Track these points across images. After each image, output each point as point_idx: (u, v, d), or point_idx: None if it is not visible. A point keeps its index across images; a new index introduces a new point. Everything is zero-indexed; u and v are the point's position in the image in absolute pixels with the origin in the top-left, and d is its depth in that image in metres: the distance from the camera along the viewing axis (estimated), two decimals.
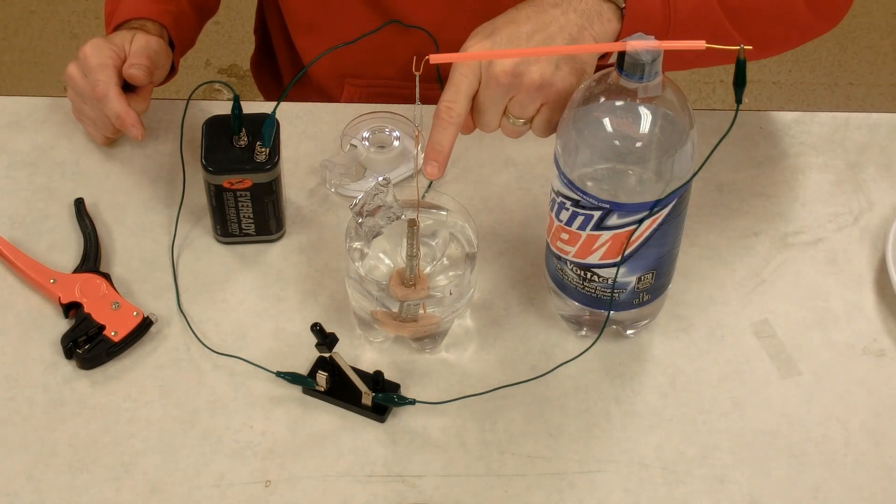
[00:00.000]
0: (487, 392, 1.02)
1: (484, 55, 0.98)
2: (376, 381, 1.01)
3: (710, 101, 2.51)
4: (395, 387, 1.02)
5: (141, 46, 1.17)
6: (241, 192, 1.08)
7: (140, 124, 1.14)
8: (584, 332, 1.07)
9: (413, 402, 1.01)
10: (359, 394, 1.00)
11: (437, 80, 1.06)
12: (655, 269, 1.00)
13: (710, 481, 0.98)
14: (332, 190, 1.18)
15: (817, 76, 2.58)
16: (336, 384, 1.01)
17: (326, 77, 1.37)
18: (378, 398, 1.00)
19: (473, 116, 0.99)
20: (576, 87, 0.97)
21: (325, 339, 0.97)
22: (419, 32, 1.19)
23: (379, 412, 1.01)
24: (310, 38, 1.35)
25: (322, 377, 1.01)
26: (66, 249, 1.13)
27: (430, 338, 1.05)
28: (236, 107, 1.07)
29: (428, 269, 1.04)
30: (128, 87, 1.16)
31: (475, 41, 0.98)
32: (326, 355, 0.99)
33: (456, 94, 0.97)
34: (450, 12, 1.25)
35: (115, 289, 1.08)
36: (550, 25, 0.97)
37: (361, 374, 1.01)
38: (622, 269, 0.98)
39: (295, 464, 0.99)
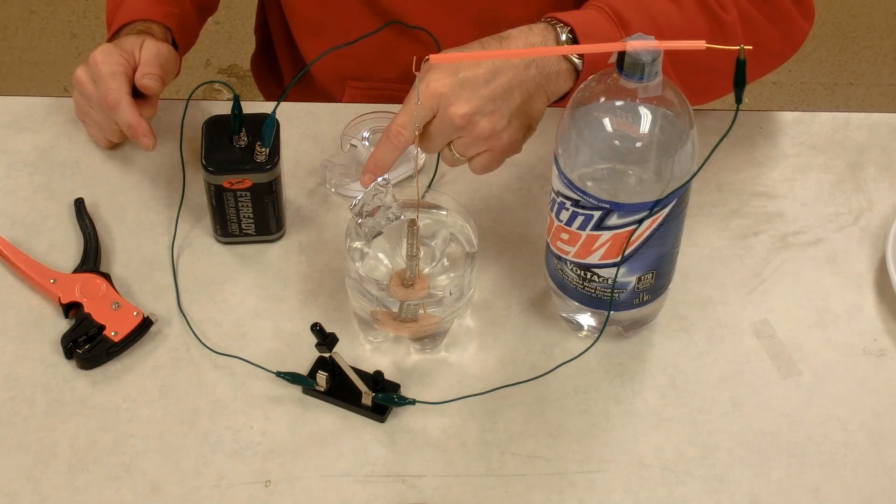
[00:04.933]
0: (487, 392, 1.02)
1: (480, 55, 0.98)
2: (376, 381, 1.01)
3: (711, 101, 2.51)
4: (395, 387, 1.02)
5: (152, 54, 1.16)
6: (241, 192, 1.08)
7: (151, 134, 1.14)
8: (584, 332, 1.07)
9: (413, 402, 1.01)
10: (359, 394, 1.01)
11: None
12: (655, 269, 1.00)
13: (710, 481, 0.98)
14: (332, 190, 1.18)
15: (817, 76, 2.58)
16: (336, 384, 1.01)
17: (328, 79, 1.37)
18: (378, 398, 1.00)
19: (419, 138, 1.02)
20: (522, 141, 1.03)
21: (325, 339, 0.97)
22: (420, 35, 1.19)
23: (379, 412, 1.01)
24: (312, 39, 1.35)
25: (322, 377, 1.01)
26: (66, 249, 1.13)
27: (430, 338, 1.05)
28: (236, 107, 1.07)
29: (428, 270, 1.04)
30: (136, 93, 1.15)
31: (440, 73, 1.00)
32: (326, 355, 0.99)
33: (409, 122, 1.00)
34: (450, 18, 1.25)
35: (115, 289, 1.08)
36: (511, 75, 1.00)
37: (361, 374, 1.01)
38: (622, 269, 0.98)
39: (295, 464, 0.99)
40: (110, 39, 1.21)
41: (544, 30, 1.03)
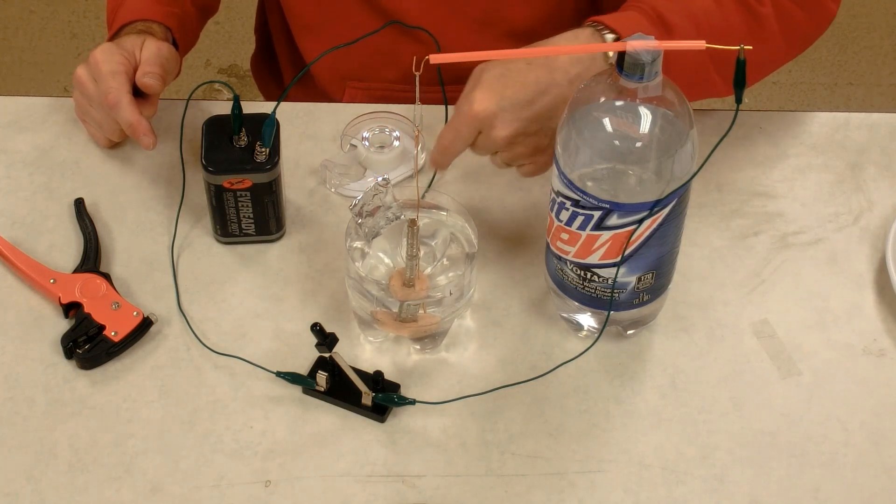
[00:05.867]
0: (487, 392, 1.02)
1: (484, 55, 0.98)
2: (376, 381, 1.01)
3: (710, 101, 2.51)
4: (395, 387, 1.02)
5: (153, 53, 1.16)
6: (241, 192, 1.08)
7: (152, 133, 1.13)
8: (584, 332, 1.07)
9: (413, 402, 1.01)
10: (359, 394, 1.01)
11: (439, 79, 1.06)
12: (655, 269, 1.00)
13: (710, 481, 0.98)
14: (332, 190, 1.18)
15: (817, 76, 2.58)
16: (336, 384, 1.01)
17: (328, 79, 1.37)
18: (378, 398, 1.00)
19: (471, 146, 1.05)
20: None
21: (326, 339, 0.97)
22: (420, 35, 1.19)
23: (379, 412, 1.01)
24: (312, 38, 1.35)
25: (322, 377, 1.01)
26: (66, 249, 1.13)
27: (430, 338, 1.05)
28: (236, 107, 1.07)
29: (428, 270, 1.04)
30: (137, 92, 1.15)
31: (484, 93, 1.02)
32: (326, 355, 0.99)
33: (456, 140, 1.03)
34: (451, 18, 1.25)
35: (115, 289, 1.08)
36: (555, 94, 1.02)
37: (361, 374, 1.01)
38: (622, 269, 0.98)
39: (295, 464, 0.99)
40: (111, 39, 1.21)
41: (591, 36, 1.04)
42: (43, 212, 1.16)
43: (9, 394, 1.03)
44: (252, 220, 1.11)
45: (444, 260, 1.04)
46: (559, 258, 1.01)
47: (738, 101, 0.89)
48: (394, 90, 1.32)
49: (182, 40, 1.24)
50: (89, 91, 1.16)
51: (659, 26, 1.05)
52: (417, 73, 0.94)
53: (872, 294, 1.11)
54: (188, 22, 1.27)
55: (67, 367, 1.04)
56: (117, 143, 1.20)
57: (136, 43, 1.17)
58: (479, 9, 1.26)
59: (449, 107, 1.16)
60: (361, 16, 1.28)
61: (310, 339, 0.98)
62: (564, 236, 0.98)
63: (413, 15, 1.24)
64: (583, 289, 1.01)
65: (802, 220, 1.16)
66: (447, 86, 1.13)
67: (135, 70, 1.15)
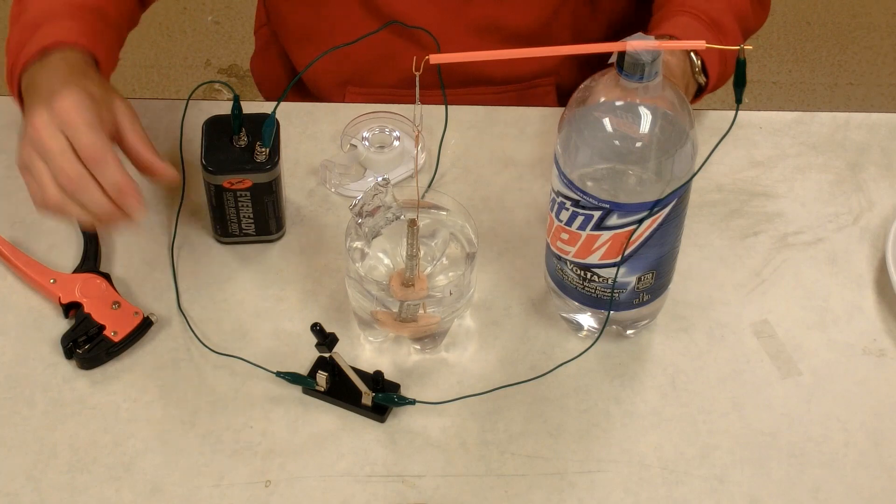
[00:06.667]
0: (487, 392, 1.02)
1: (484, 55, 0.98)
2: (376, 381, 1.01)
3: (711, 101, 2.49)
4: (395, 387, 1.02)
5: (138, 126, 1.00)
6: (241, 192, 1.08)
7: (141, 196, 0.95)
8: (584, 332, 1.07)
9: (413, 402, 1.01)
10: (359, 394, 1.01)
11: (439, 79, 1.06)
12: (655, 269, 1.00)
13: (710, 481, 0.98)
14: (332, 190, 1.18)
15: (817, 76, 2.58)
16: (336, 384, 1.01)
17: (327, 84, 1.36)
18: (378, 398, 1.00)
19: None
20: None
21: (326, 339, 0.97)
22: (421, 39, 1.19)
23: (379, 412, 1.01)
24: (311, 49, 1.34)
25: (322, 377, 1.01)
26: (66, 249, 1.13)
27: (430, 338, 1.05)
28: (236, 107, 1.07)
29: (428, 269, 1.04)
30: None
31: None
32: (327, 355, 0.99)
33: None
34: (451, 24, 1.25)
35: (115, 289, 1.08)
36: None
37: (361, 374, 1.01)
38: (622, 269, 0.98)
39: (295, 464, 0.99)
40: (28, 60, 1.03)
41: (680, 51, 1.10)
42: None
43: (9, 394, 1.03)
44: (252, 220, 1.11)
45: (444, 260, 1.04)
46: (559, 258, 1.01)
47: (738, 101, 0.89)
48: (394, 94, 1.32)
49: (106, 70, 1.08)
50: (50, 145, 0.95)
51: (713, 29, 1.13)
52: (417, 73, 0.93)
53: (872, 294, 1.11)
54: (112, 42, 1.10)
55: (67, 367, 1.04)
56: (57, 214, 0.98)
57: (106, 95, 1.00)
58: (479, 15, 1.26)
59: (449, 107, 1.16)
60: (361, 22, 1.27)
61: (310, 339, 0.98)
62: (564, 236, 0.98)
63: (414, 22, 1.24)
64: (583, 289, 1.01)
65: (802, 220, 1.16)
66: (448, 88, 1.13)
67: (114, 131, 0.99)
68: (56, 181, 0.95)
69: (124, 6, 1.14)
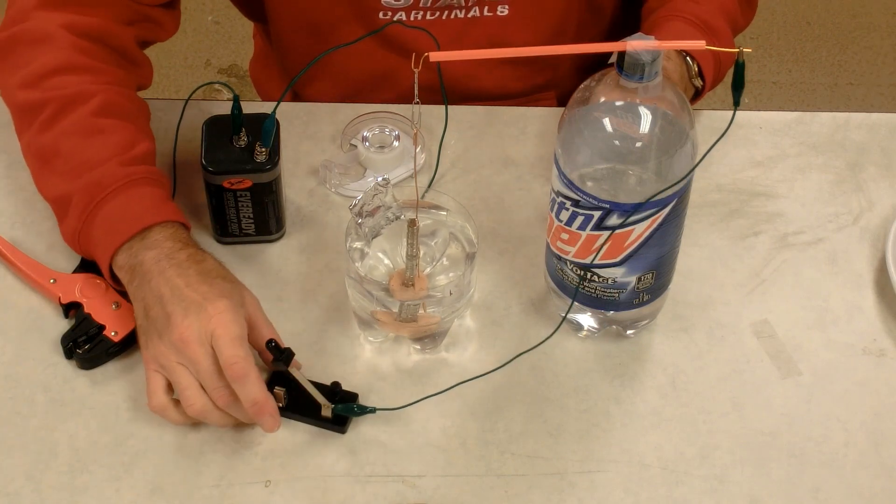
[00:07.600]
0: (446, 390, 1.00)
1: (484, 54, 0.98)
2: (334, 391, 1.00)
3: (710, 101, 2.49)
4: (354, 396, 1.01)
5: (266, 319, 1.02)
6: (241, 192, 1.08)
7: (278, 413, 0.96)
8: (584, 332, 1.07)
9: (374, 410, 1.00)
10: (318, 406, 1.00)
11: (439, 79, 1.06)
12: (655, 269, 1.00)
13: (710, 481, 0.98)
14: (332, 190, 1.18)
15: (817, 76, 2.58)
16: (293, 398, 1.00)
17: (327, 100, 1.36)
18: (338, 409, 0.99)
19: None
20: None
21: (282, 355, 0.97)
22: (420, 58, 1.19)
23: (339, 423, 1.00)
24: (316, 86, 1.34)
25: (280, 392, 1.00)
26: (66, 249, 1.12)
27: (430, 338, 1.05)
28: (236, 107, 1.07)
29: (428, 270, 1.04)
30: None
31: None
32: (283, 370, 0.98)
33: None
34: (456, 46, 1.24)
35: (115, 289, 1.08)
36: None
37: (319, 385, 1.00)
38: (622, 269, 0.98)
39: (295, 464, 0.99)
40: (119, 246, 1.02)
41: (676, 55, 1.13)
42: (43, 212, 1.15)
43: (9, 394, 1.03)
44: (252, 220, 1.11)
45: (444, 260, 1.04)
46: (559, 258, 1.01)
47: (736, 103, 0.88)
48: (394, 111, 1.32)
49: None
50: (200, 361, 0.96)
51: (706, 32, 1.15)
52: (416, 70, 0.93)
53: (872, 294, 1.11)
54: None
55: (67, 367, 1.04)
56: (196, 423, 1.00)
57: (236, 291, 1.01)
58: (482, 37, 1.26)
59: (449, 107, 1.16)
60: (366, 48, 1.26)
61: (310, 338, 0.98)
62: (564, 236, 0.98)
63: (418, 43, 1.24)
64: (583, 289, 1.01)
65: (802, 220, 1.16)
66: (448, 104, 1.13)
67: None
68: (203, 392, 0.97)
69: (143, 115, 1.13)
